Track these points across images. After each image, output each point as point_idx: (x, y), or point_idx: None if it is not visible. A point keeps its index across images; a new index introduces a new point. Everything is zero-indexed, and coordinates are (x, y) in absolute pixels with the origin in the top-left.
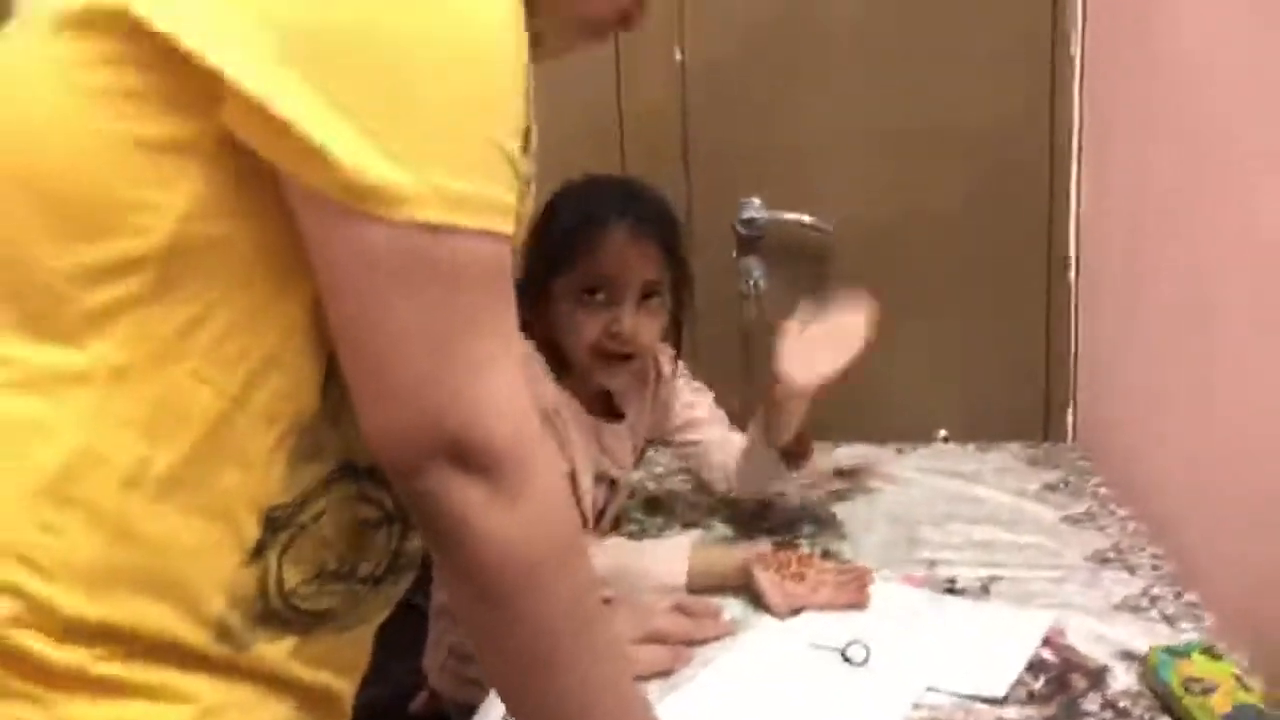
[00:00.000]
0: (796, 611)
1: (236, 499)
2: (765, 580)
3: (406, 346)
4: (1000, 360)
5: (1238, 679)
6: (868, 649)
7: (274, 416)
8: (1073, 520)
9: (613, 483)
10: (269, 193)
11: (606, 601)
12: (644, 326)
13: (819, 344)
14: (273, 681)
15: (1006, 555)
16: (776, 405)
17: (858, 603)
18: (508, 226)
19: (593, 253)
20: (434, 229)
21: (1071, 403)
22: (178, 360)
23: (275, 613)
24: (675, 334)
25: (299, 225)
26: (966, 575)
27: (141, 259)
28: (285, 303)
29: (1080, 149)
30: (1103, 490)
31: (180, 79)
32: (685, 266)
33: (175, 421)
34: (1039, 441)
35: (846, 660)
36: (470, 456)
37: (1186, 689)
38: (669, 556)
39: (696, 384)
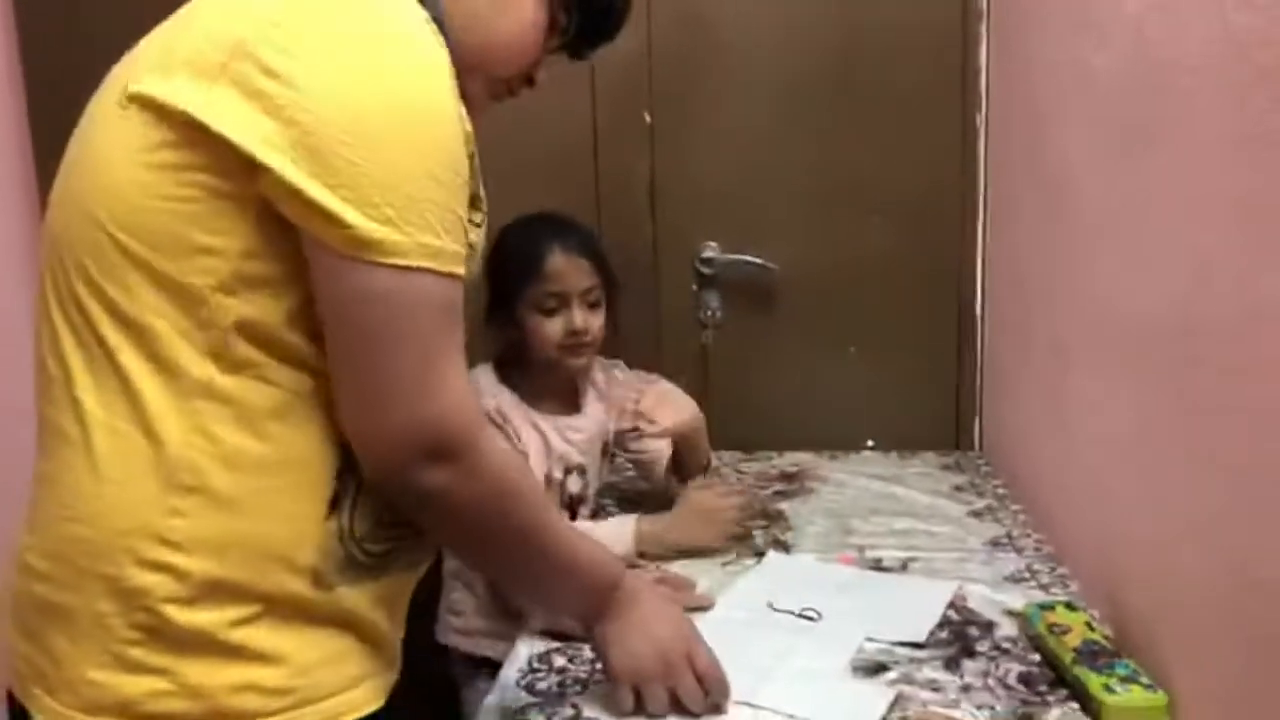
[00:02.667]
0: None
1: (311, 469)
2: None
3: (395, 364)
4: (919, 382)
5: (1088, 624)
6: (819, 612)
7: (326, 403)
8: (975, 514)
9: (583, 470)
10: (295, 242)
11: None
12: (592, 320)
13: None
14: (352, 625)
15: (921, 541)
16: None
17: None
18: (460, 268)
19: (540, 274)
20: (413, 271)
21: (978, 419)
22: (248, 368)
23: (351, 558)
24: (613, 323)
25: (314, 273)
26: (890, 556)
27: (208, 291)
28: (310, 322)
29: (985, 215)
30: (1000, 490)
31: (227, 160)
32: (610, 272)
33: (255, 415)
34: (951, 450)
35: (802, 617)
36: (440, 449)
37: (1050, 631)
38: (617, 530)
39: (650, 376)
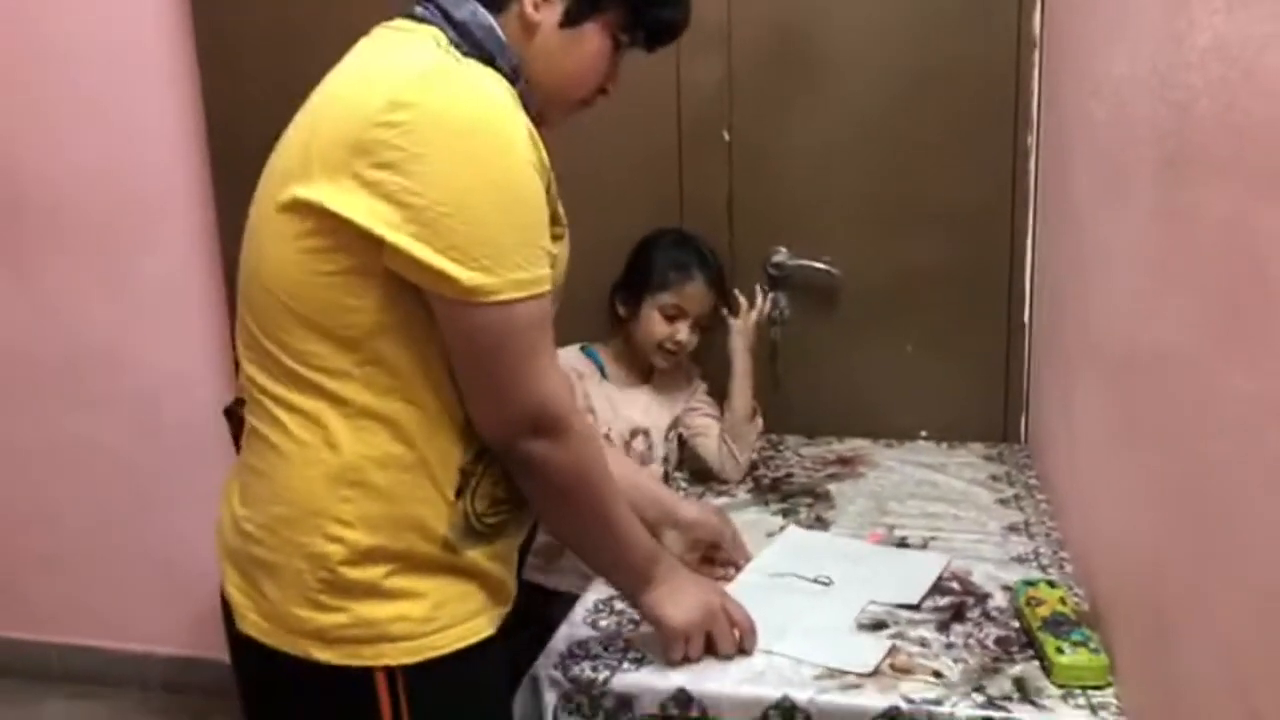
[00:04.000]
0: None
1: (443, 466)
2: None
3: (503, 372)
4: (970, 378)
5: (1062, 599)
6: (830, 578)
7: (453, 417)
8: (1002, 501)
9: (646, 434)
10: (416, 296)
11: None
12: (693, 339)
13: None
14: (475, 574)
15: (946, 524)
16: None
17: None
18: (548, 288)
19: (680, 290)
20: (510, 303)
21: (1024, 414)
22: (394, 394)
23: (473, 529)
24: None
25: (435, 313)
26: (914, 535)
27: (358, 339)
28: (435, 355)
29: (1034, 229)
30: (1032, 481)
31: (359, 239)
32: (724, 304)
33: (401, 428)
34: (998, 442)
35: (816, 583)
36: (540, 428)
37: (1028, 603)
38: None
39: (704, 393)
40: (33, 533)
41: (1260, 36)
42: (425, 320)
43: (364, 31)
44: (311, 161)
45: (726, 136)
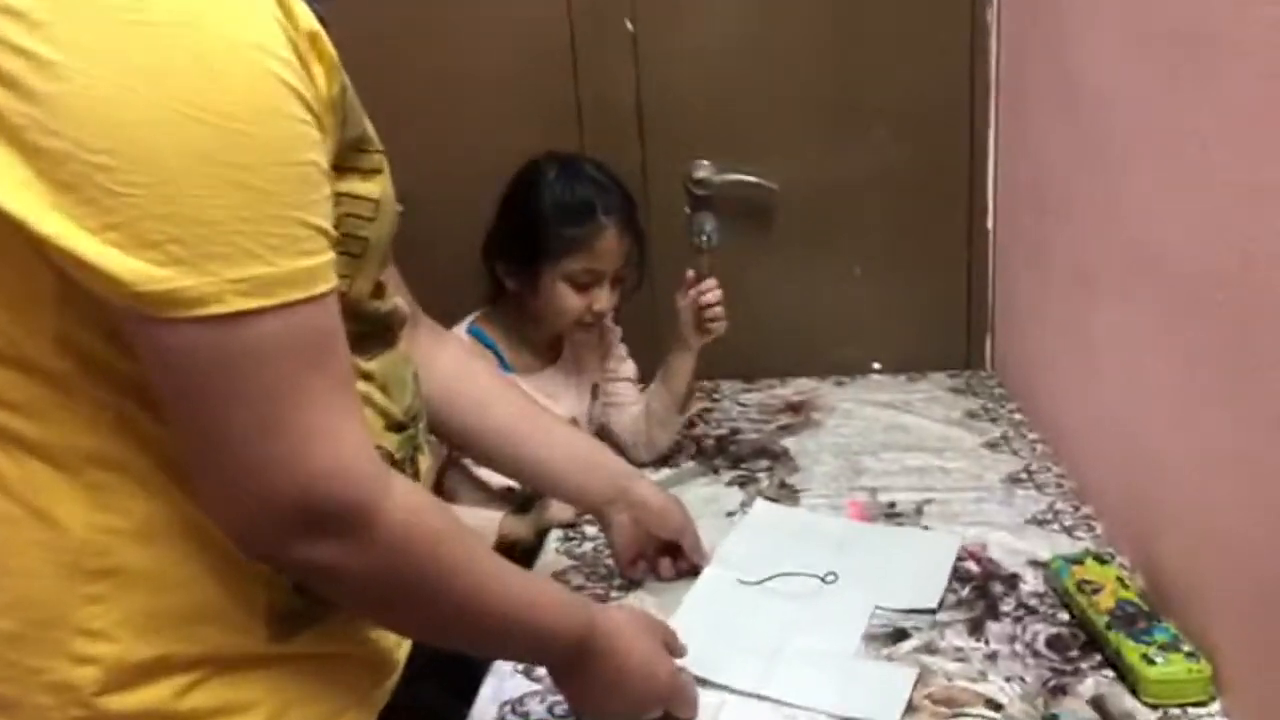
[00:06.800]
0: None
1: None
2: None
3: (232, 437)
4: (927, 301)
5: (1120, 580)
6: (820, 576)
7: None
8: (991, 445)
9: (574, 421)
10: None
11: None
12: (613, 300)
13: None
14: (322, 660)
15: (935, 479)
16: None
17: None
18: (316, 286)
19: (587, 249)
20: (233, 318)
21: (989, 338)
22: (130, 429)
23: (290, 607)
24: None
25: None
26: (903, 500)
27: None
28: None
29: (997, 125)
30: (1016, 416)
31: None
32: (643, 250)
33: (155, 478)
34: (960, 371)
35: (822, 580)
36: (317, 521)
37: (1080, 589)
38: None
39: (624, 354)
40: None
41: None
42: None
43: None
44: None
45: (630, 26)
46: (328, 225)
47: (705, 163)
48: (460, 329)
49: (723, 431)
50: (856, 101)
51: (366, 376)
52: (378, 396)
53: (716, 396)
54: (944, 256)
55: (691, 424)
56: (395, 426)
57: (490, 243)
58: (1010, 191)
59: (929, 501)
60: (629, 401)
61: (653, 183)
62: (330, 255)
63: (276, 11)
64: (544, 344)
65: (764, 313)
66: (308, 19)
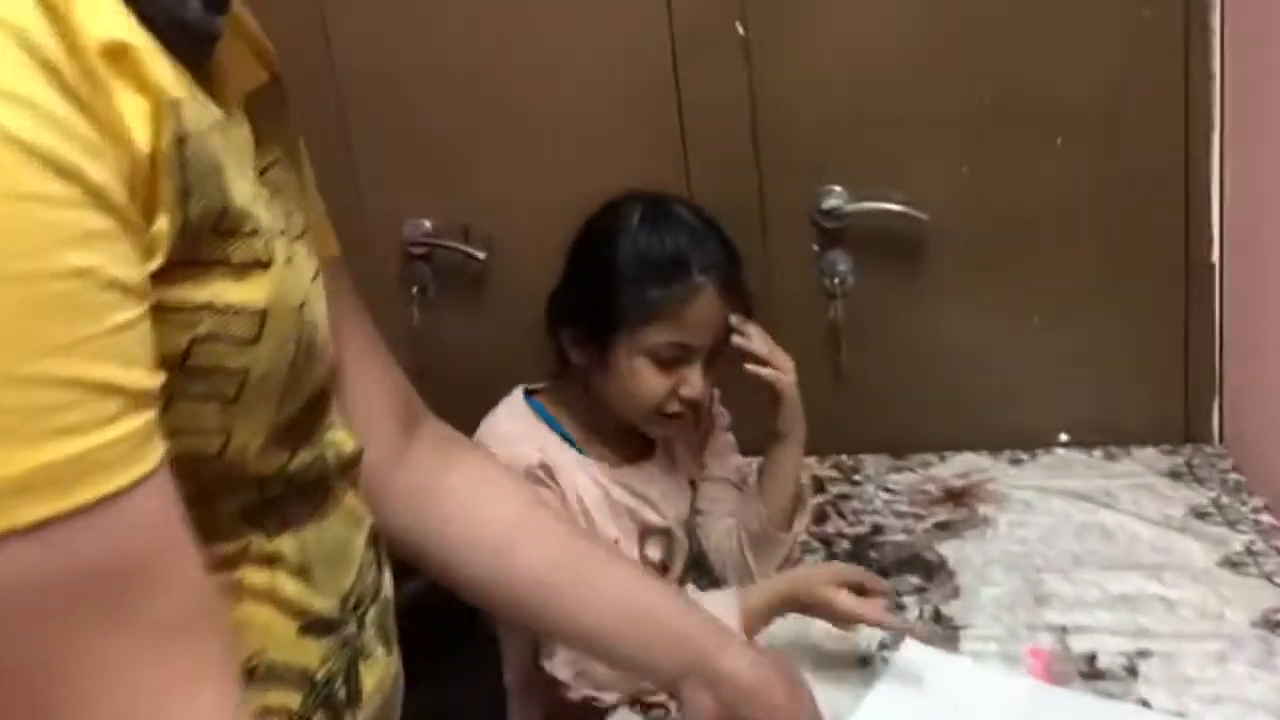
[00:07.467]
0: None
1: None
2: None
3: None
4: (1129, 353)
5: None
6: None
7: None
8: (1232, 563)
9: (667, 533)
10: None
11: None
12: (708, 385)
13: None
14: None
15: (1154, 619)
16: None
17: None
18: (96, 485)
19: (675, 317)
20: None
21: (1217, 401)
22: None
23: None
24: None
25: None
26: (1109, 649)
27: None
28: None
29: (1222, 129)
30: (1265, 517)
31: None
32: (749, 316)
33: None
34: (1179, 445)
35: None
36: None
37: None
38: (720, 606)
39: (729, 445)
40: None
41: None
42: None
43: None
44: None
45: (741, 30)
46: (127, 372)
47: (837, 189)
48: (514, 398)
49: (862, 529)
50: (1029, 108)
51: (270, 560)
52: (287, 587)
53: (856, 478)
54: (1152, 297)
55: (820, 516)
56: (317, 627)
57: (554, 303)
58: (1242, 212)
59: (1145, 654)
60: (723, 508)
61: (772, 215)
62: (131, 424)
63: (33, 15)
64: (624, 432)
65: (915, 371)
66: (109, 25)
